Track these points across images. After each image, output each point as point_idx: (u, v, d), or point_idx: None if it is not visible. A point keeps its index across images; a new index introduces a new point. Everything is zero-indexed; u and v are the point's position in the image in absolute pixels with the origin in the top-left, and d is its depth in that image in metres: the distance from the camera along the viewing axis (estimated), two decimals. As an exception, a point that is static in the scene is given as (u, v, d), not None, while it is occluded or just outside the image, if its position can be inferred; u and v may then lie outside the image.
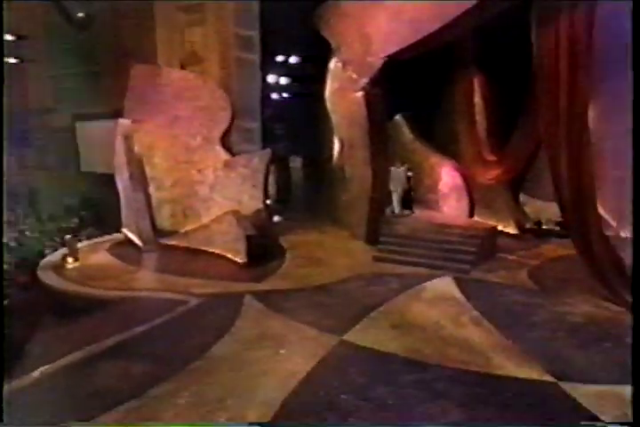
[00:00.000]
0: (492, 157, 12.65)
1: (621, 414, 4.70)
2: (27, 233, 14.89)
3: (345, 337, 6.52)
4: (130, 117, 12.63)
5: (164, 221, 12.69)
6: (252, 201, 11.01)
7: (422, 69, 13.94)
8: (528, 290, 8.81)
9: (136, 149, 12.64)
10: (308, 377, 5.42)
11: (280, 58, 15.08)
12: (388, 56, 10.72)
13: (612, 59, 9.79)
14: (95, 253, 11.38)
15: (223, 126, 12.10)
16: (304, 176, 19.08)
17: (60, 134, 18.86)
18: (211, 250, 10.95)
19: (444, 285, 8.99)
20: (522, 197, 13.93)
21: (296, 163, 19.56)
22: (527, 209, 13.85)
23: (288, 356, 5.97)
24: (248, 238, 9.85)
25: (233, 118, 12.13)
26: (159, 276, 9.71)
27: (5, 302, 8.64)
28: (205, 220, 11.49)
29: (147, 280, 9.39)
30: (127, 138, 12.25)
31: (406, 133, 14.66)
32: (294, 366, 5.67)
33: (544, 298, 8.32)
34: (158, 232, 12.29)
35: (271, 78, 14.41)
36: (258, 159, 10.95)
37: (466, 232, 10.85)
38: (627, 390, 5.12)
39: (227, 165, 11.39)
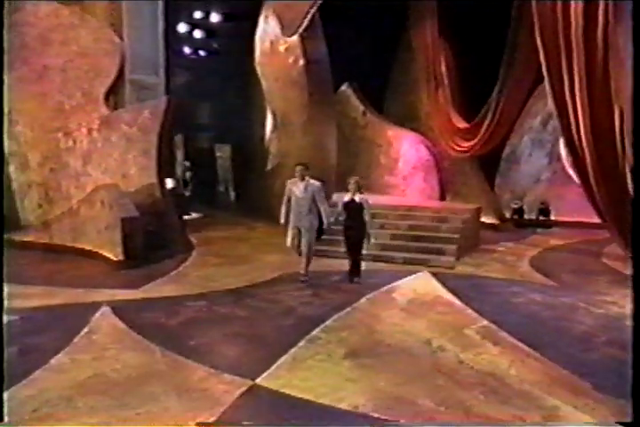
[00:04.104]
0: (464, 125, 10.06)
1: None
2: None
3: (261, 380, 3.30)
4: (-20, 70, 8.90)
5: (29, 213, 8.95)
6: (141, 173, 7.62)
7: (367, 39, 11.50)
8: (543, 286, 6.03)
9: (-11, 114, 8.93)
10: None
11: (199, 14, 11.93)
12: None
13: None
14: None
15: (108, 79, 8.71)
16: (233, 168, 15.81)
17: None
18: (79, 246, 7.41)
19: (424, 284, 6.04)
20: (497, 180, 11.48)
21: (224, 152, 16.30)
22: (505, 195, 11.39)
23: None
24: (125, 223, 6.43)
25: (122, 67, 8.79)
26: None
27: None
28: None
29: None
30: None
31: (356, 105, 11.89)
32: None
33: (571, 296, 5.54)
34: (22, 228, 8.61)
35: (182, 28, 11.17)
36: (149, 113, 7.60)
37: (443, 215, 8.04)
38: None
39: (105, 123, 7.95)
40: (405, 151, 10.53)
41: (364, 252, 6.04)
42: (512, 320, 4.65)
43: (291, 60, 9.34)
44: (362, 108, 11.78)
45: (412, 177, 10.33)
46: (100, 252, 7.01)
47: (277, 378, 3.33)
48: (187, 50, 11.90)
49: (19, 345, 3.94)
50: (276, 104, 10.81)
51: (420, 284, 6.02)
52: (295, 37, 9.02)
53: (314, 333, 4.21)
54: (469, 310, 4.91)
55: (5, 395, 3.05)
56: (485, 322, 4.55)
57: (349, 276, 6.04)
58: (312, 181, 5.85)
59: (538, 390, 3.23)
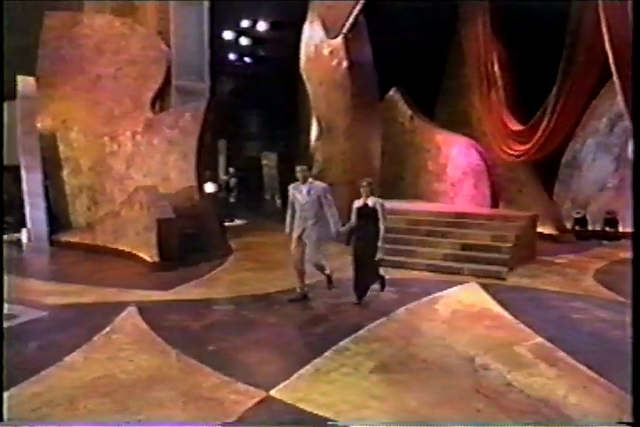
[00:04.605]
0: (518, 127, 9.37)
1: None
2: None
3: (276, 392, 2.97)
4: (43, 80, 9.36)
5: (80, 216, 9.23)
6: (180, 176, 7.60)
7: (416, 42, 11.14)
8: (610, 302, 5.32)
9: (48, 122, 9.37)
10: None
11: (246, 23, 12.04)
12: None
13: None
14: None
15: (155, 85, 8.87)
16: (279, 175, 15.78)
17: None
18: (119, 247, 7.46)
19: (470, 295, 5.51)
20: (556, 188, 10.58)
21: (270, 160, 16.35)
22: (565, 203, 10.49)
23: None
24: (160, 224, 6.37)
25: (168, 74, 8.92)
26: (20, 281, 6.09)
27: None
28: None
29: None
30: (25, 99, 8.95)
31: (403, 110, 11.48)
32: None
33: (645, 315, 4.82)
34: (71, 230, 8.89)
35: (228, 35, 11.29)
36: (189, 115, 7.60)
37: (494, 223, 7.44)
38: None
39: (148, 126, 8.04)
40: (455, 156, 9.96)
41: (381, 271, 5.37)
42: (572, 339, 4.06)
43: (334, 63, 9.13)
44: (409, 112, 11.35)
45: (462, 183, 9.73)
46: (137, 253, 7.01)
47: (295, 390, 2.99)
48: (232, 56, 12.01)
49: (40, 341, 3.88)
50: (321, 109, 10.61)
51: (467, 295, 5.49)
52: (339, 39, 8.81)
53: (342, 343, 3.84)
54: (521, 325, 4.36)
55: (12, 391, 2.93)
56: (540, 339, 3.99)
57: (356, 291, 5.09)
58: (317, 182, 5.16)
59: (605, 423, 2.69)
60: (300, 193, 5.09)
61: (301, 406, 2.79)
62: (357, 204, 5.17)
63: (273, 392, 2.95)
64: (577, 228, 9.97)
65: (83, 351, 3.62)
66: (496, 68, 10.24)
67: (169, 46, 9.13)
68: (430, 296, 5.37)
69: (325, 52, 9.55)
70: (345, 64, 8.77)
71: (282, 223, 12.47)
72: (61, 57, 9.41)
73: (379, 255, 4.98)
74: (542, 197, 10.16)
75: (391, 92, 11.80)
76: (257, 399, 2.86)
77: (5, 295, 5.23)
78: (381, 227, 4.97)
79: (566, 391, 3.08)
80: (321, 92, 10.28)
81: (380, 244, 4.95)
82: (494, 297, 5.30)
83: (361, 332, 4.13)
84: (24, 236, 8.30)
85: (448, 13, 11.31)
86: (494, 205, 9.17)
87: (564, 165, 10.50)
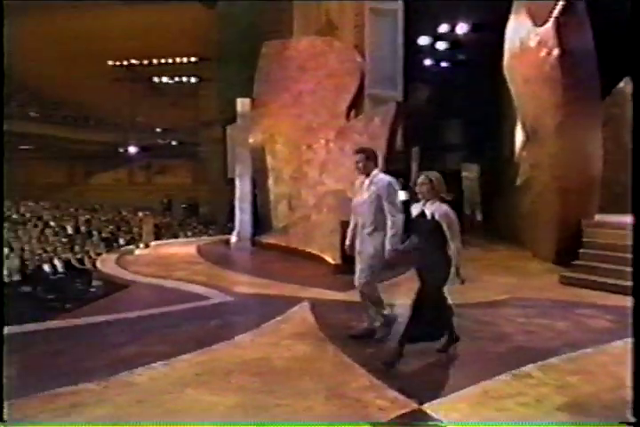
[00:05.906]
0: None
1: None
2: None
3: (429, 407, 2.51)
4: (257, 101, 10.81)
5: (280, 221, 10.20)
6: (368, 182, 7.62)
7: None
8: None
9: (258, 136, 10.72)
10: None
11: (444, 27, 11.67)
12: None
13: None
14: (185, 246, 9.53)
15: (349, 95, 9.27)
16: (480, 188, 14.67)
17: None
18: (308, 249, 7.85)
19: None
20: None
21: (471, 172, 15.36)
22: None
23: None
24: (344, 226, 6.40)
25: (362, 84, 9.20)
26: (220, 271, 6.99)
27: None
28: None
29: (198, 273, 6.73)
30: (242, 117, 10.37)
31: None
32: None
33: None
34: (270, 232, 9.91)
35: (424, 40, 11.08)
36: (379, 120, 7.60)
37: None
38: None
39: (340, 134, 8.35)
40: None
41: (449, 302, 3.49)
42: None
43: (543, 54, 7.96)
44: (645, 107, 9.22)
45: None
46: (323, 255, 7.24)
47: (452, 409, 2.49)
48: (428, 62, 11.74)
49: (221, 320, 4.26)
50: (526, 109, 9.45)
51: None
52: (549, 25, 7.69)
53: (525, 368, 3.11)
54: None
55: (185, 357, 3.19)
56: None
57: (400, 341, 3.28)
58: (381, 176, 3.71)
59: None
60: (359, 190, 3.84)
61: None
62: (415, 211, 3.35)
63: (425, 406, 2.51)
64: None
65: (251, 334, 3.80)
66: None
67: (363, 57, 9.46)
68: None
69: (532, 43, 8.47)
70: (556, 53, 7.57)
71: (477, 238, 11.57)
72: (271, 79, 10.64)
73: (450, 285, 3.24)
74: None
75: (621, 84, 9.81)
76: (405, 411, 2.47)
77: (207, 282, 5.99)
78: (452, 246, 3.21)
79: None
80: (526, 92, 9.16)
81: (453, 270, 3.19)
82: None
83: (553, 359, 3.30)
84: (234, 236, 9.49)
85: None
86: None
87: None
